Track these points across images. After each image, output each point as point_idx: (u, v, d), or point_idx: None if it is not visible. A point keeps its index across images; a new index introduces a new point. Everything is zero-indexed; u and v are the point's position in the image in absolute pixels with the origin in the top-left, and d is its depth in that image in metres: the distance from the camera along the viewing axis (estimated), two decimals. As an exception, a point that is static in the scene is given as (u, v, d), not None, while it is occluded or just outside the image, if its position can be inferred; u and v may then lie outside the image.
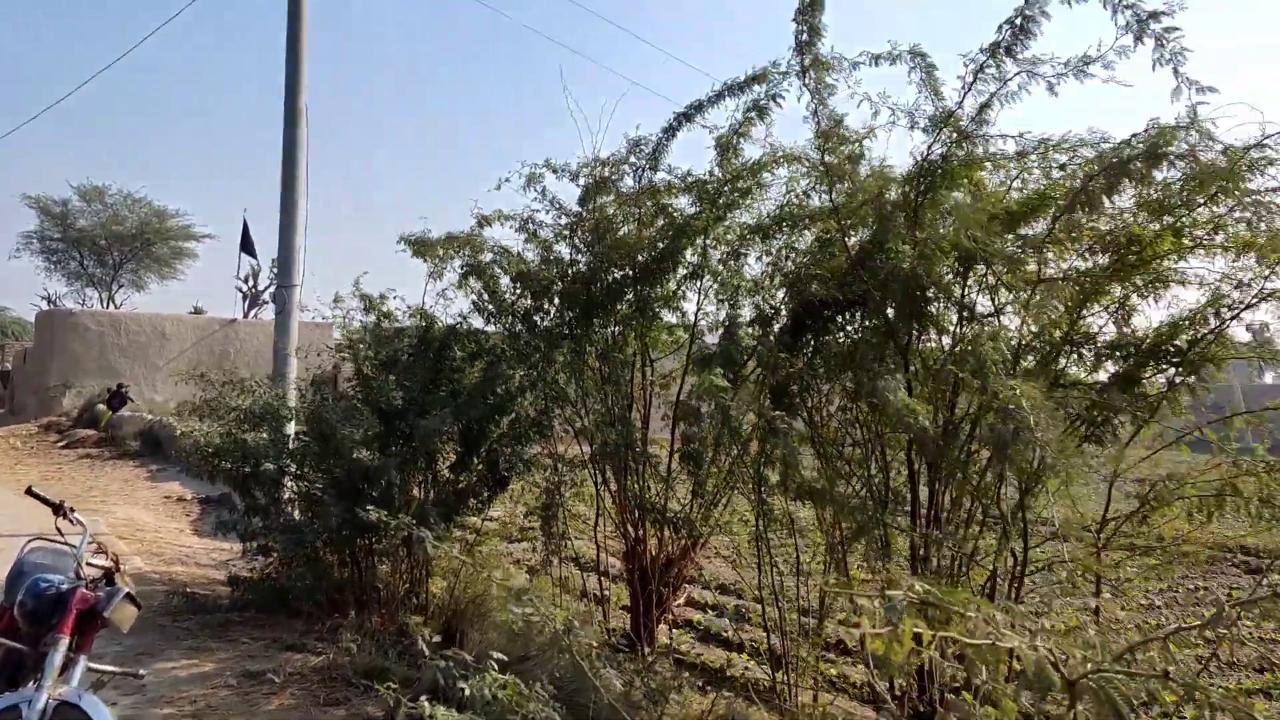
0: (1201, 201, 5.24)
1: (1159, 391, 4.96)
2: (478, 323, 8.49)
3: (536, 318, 8.11)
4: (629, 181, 7.63)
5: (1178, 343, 4.95)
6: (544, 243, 8.20)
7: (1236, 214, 5.28)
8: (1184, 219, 5.29)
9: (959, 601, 2.11)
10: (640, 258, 7.37)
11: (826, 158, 5.61)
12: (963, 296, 5.34)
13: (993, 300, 5.76)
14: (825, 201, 6.26)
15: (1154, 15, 4.21)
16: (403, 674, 5.87)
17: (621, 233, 7.56)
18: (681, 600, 7.89)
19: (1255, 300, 4.77)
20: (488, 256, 8.35)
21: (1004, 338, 4.77)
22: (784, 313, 6.38)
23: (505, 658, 4.48)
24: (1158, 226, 5.37)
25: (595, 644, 4.53)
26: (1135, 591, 10.04)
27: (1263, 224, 4.85)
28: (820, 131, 5.63)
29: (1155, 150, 4.46)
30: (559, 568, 8.21)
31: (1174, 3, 4.21)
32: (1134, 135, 4.79)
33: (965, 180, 5.60)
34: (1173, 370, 4.96)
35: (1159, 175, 4.89)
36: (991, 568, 5.35)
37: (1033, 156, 5.36)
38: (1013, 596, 5.01)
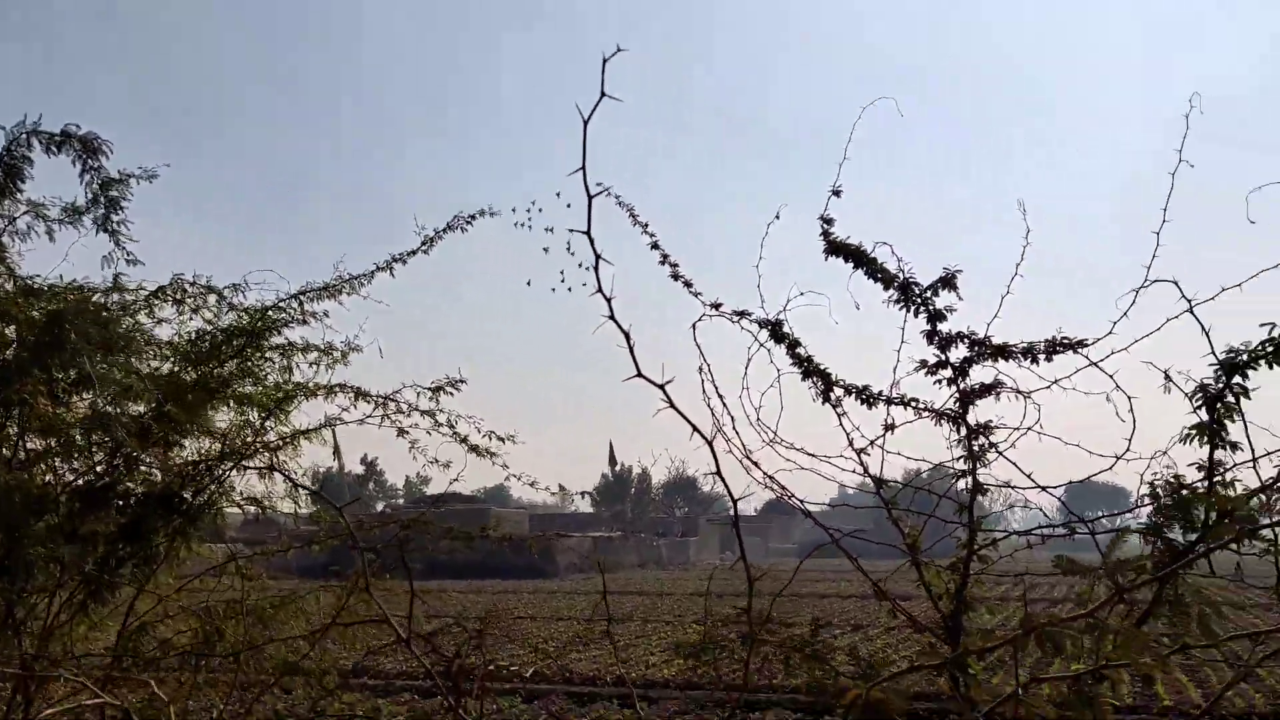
0: (230, 355, 5.65)
1: (163, 540, 5.12)
2: None
3: None
4: None
5: (184, 493, 5.19)
6: None
7: (264, 368, 5.81)
8: (215, 370, 5.63)
9: None
10: None
11: None
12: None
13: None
14: None
15: (107, 184, 4.55)
16: None
17: None
18: None
19: (254, 450, 5.28)
20: None
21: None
22: None
23: None
24: (193, 376, 5.63)
25: None
26: None
27: (269, 378, 5.45)
28: None
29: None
30: None
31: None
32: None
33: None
34: (179, 520, 5.18)
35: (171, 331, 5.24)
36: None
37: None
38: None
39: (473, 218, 5.48)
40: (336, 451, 6.37)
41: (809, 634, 2.53)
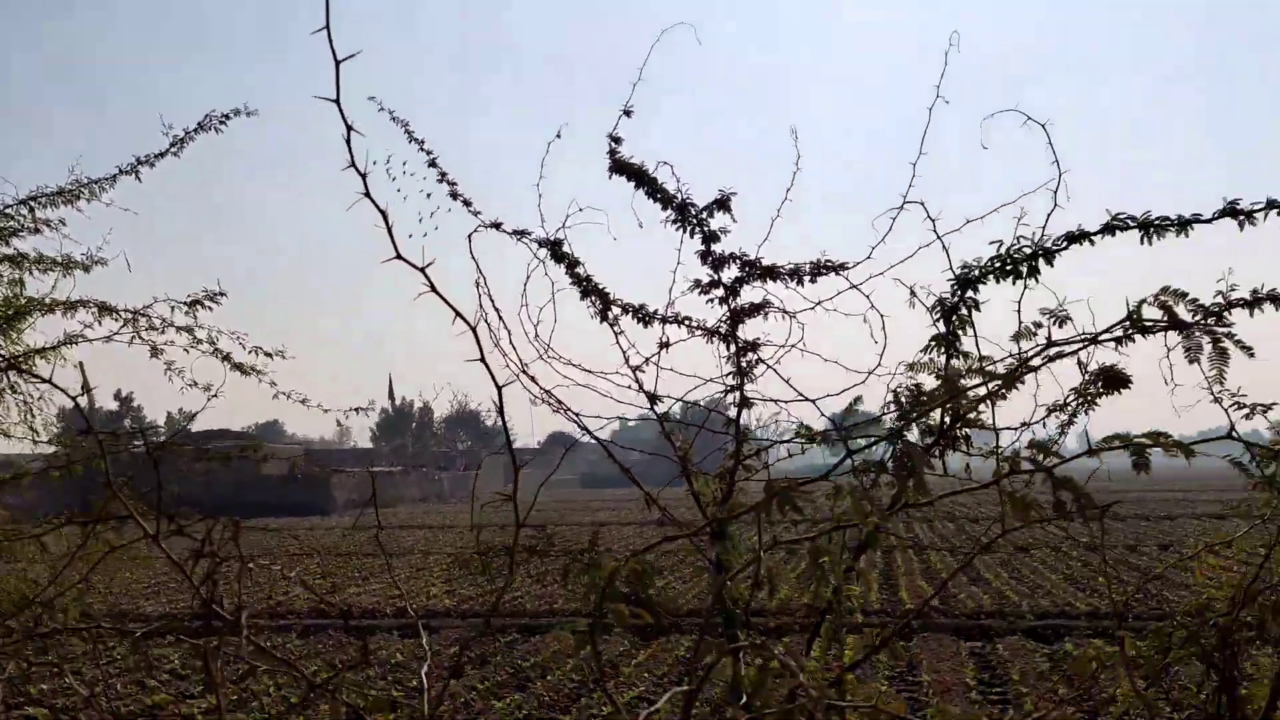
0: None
1: None
2: None
3: None
4: None
5: None
6: None
7: None
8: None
9: None
10: None
11: None
12: None
13: None
14: None
15: None
16: None
17: None
18: None
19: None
20: None
21: None
22: None
23: None
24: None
25: None
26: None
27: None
28: None
29: None
30: None
31: None
32: None
33: None
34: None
35: None
36: None
37: None
38: None
39: (226, 117, 5.07)
40: (85, 386, 5.83)
41: (588, 544, 2.60)
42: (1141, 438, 2.25)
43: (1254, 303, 2.89)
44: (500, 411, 1.73)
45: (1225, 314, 2.88)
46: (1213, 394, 2.66)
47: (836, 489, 2.15)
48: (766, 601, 14.00)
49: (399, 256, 1.51)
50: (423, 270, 1.55)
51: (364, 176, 1.47)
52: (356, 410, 5.82)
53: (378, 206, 1.51)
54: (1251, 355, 2.68)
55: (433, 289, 1.57)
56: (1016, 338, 2.88)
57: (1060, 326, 2.70)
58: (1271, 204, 2.71)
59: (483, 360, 1.67)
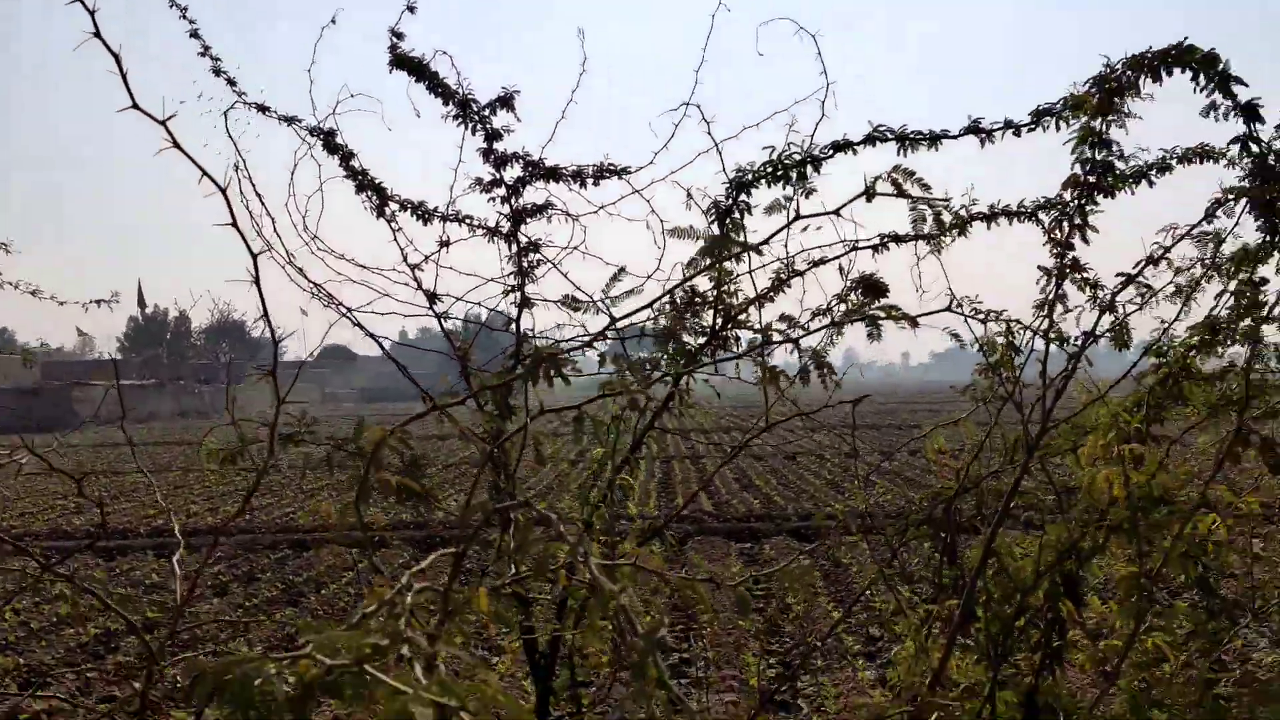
0: None
1: None
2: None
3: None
4: None
5: None
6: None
7: None
8: None
9: None
10: None
11: None
12: None
13: None
14: None
15: None
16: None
17: None
18: None
19: None
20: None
21: None
22: None
23: None
24: None
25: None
26: None
27: None
28: None
29: None
30: None
31: None
32: None
33: None
34: None
35: None
36: None
37: None
38: None
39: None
40: None
41: (354, 431, 2.53)
42: (875, 310, 2.47)
43: (991, 216, 3.18)
44: (256, 282, 1.63)
45: (968, 225, 3.16)
46: (937, 256, 2.92)
47: (602, 356, 2.21)
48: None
49: (135, 106, 1.36)
50: (163, 124, 1.41)
51: (93, 14, 1.30)
52: (98, 303, 5.29)
53: (110, 49, 1.34)
54: (963, 233, 2.99)
55: (175, 144, 1.43)
56: (770, 210, 3.05)
57: (807, 198, 2.88)
58: (1009, 124, 2.96)
59: (234, 224, 1.55)
